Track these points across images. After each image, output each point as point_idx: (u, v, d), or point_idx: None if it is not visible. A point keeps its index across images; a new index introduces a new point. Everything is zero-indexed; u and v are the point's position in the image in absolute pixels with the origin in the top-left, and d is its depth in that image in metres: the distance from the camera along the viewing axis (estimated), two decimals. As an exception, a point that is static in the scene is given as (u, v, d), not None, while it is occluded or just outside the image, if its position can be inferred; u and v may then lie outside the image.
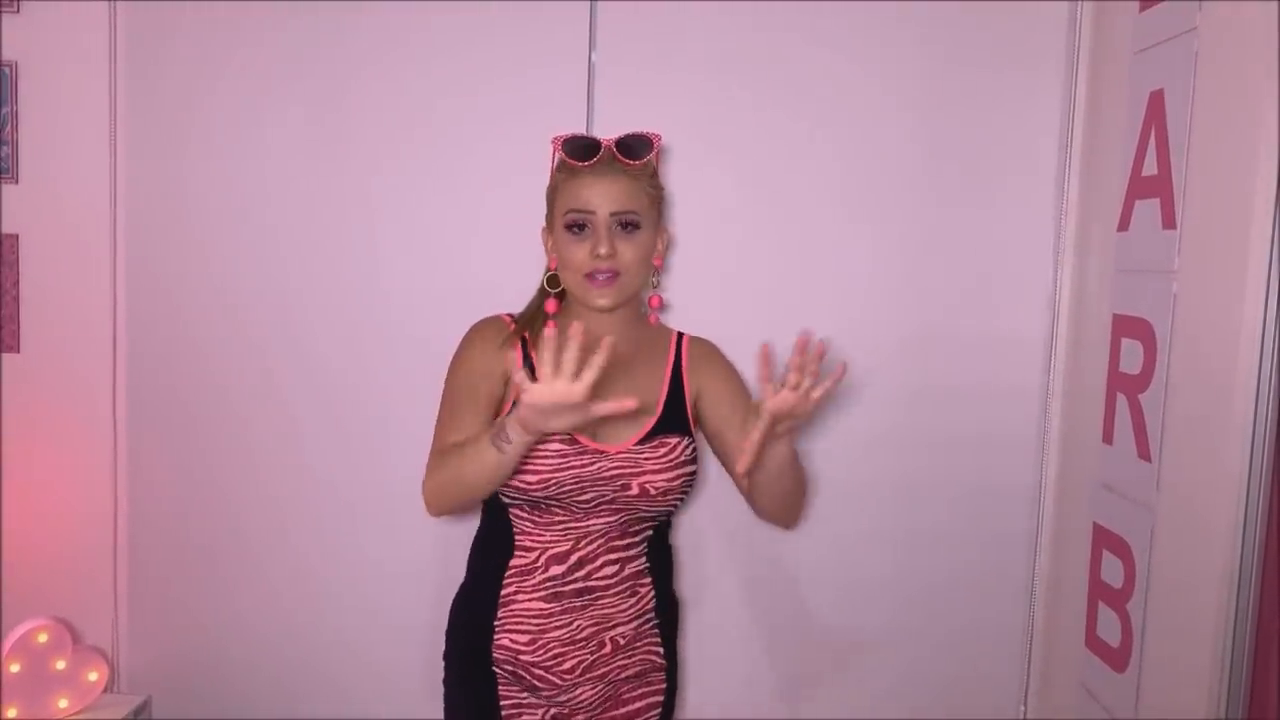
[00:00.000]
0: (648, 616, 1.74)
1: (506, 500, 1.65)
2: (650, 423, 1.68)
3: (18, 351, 2.15)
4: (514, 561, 1.67)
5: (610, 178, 1.64)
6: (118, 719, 2.13)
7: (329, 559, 2.20)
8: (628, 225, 1.65)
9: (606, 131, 1.75)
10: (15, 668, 2.07)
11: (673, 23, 2.08)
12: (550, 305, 1.73)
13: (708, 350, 1.82)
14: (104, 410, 2.17)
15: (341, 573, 2.19)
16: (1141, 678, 1.77)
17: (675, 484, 1.66)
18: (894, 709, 2.23)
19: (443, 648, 1.78)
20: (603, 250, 1.62)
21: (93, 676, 2.15)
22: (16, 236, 2.12)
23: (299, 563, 2.21)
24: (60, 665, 2.12)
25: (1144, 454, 1.77)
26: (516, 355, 1.69)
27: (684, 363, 1.77)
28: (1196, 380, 1.64)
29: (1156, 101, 1.77)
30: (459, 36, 2.09)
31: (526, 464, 1.59)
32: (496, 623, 1.67)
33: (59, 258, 2.14)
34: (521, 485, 1.60)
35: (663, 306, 1.75)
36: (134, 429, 2.18)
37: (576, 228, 1.65)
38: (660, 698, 1.77)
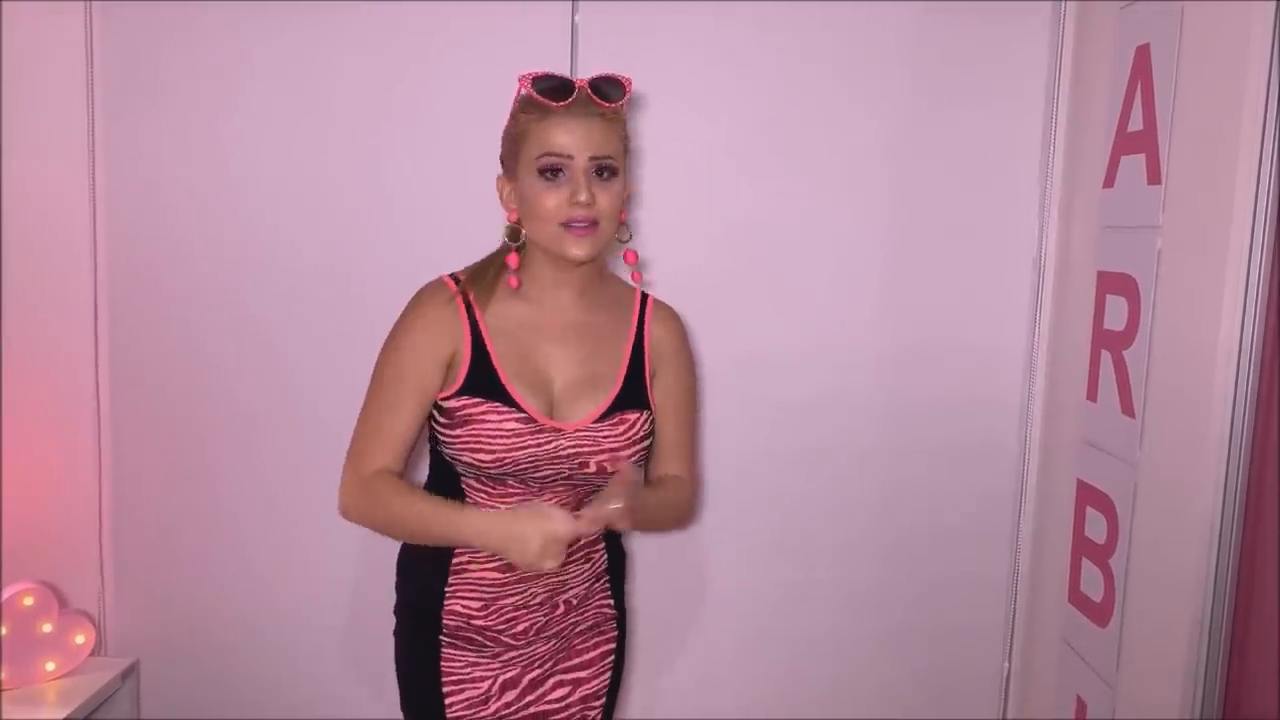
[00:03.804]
0: (600, 577, 1.75)
1: (459, 470, 1.60)
2: (610, 397, 1.62)
3: (-2, 319, 2.14)
4: None
5: (588, 120, 1.52)
6: (106, 681, 2.13)
7: (316, 523, 2.18)
8: (604, 171, 1.53)
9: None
10: (2, 631, 2.07)
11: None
12: (512, 259, 1.60)
13: (672, 328, 1.74)
14: (86, 377, 2.15)
15: (328, 537, 2.18)
16: (1123, 632, 1.78)
17: (632, 460, 1.61)
18: (879, 664, 2.25)
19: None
20: (583, 197, 1.50)
21: (80, 639, 2.15)
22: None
23: (286, 527, 2.21)
24: (47, 628, 2.12)
25: (1127, 410, 1.77)
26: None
27: (646, 333, 1.70)
28: (1180, 336, 1.64)
29: (1143, 56, 1.76)
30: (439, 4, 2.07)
31: (481, 442, 1.54)
32: (447, 589, 1.63)
33: (38, 221, 2.12)
34: (475, 462, 1.56)
35: (639, 263, 1.66)
36: (116, 394, 2.17)
37: (550, 173, 1.52)
38: (612, 645, 1.77)
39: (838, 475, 2.20)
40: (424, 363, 1.57)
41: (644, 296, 1.74)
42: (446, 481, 1.63)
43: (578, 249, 1.53)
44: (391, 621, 1.72)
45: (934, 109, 2.09)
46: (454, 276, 1.64)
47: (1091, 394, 1.91)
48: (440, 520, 1.55)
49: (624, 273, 1.69)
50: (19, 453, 2.16)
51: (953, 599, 2.24)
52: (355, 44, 2.08)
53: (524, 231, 1.59)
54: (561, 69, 2.03)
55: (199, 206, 2.12)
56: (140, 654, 2.24)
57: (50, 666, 2.12)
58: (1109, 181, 1.87)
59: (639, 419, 1.63)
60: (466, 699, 1.65)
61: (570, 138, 1.52)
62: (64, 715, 2.00)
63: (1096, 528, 1.88)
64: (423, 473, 1.72)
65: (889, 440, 2.19)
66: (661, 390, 1.70)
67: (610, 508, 1.49)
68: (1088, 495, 1.92)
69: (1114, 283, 1.84)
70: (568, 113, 1.52)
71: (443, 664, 1.65)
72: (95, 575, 2.21)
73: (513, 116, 1.58)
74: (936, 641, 2.25)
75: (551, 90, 1.52)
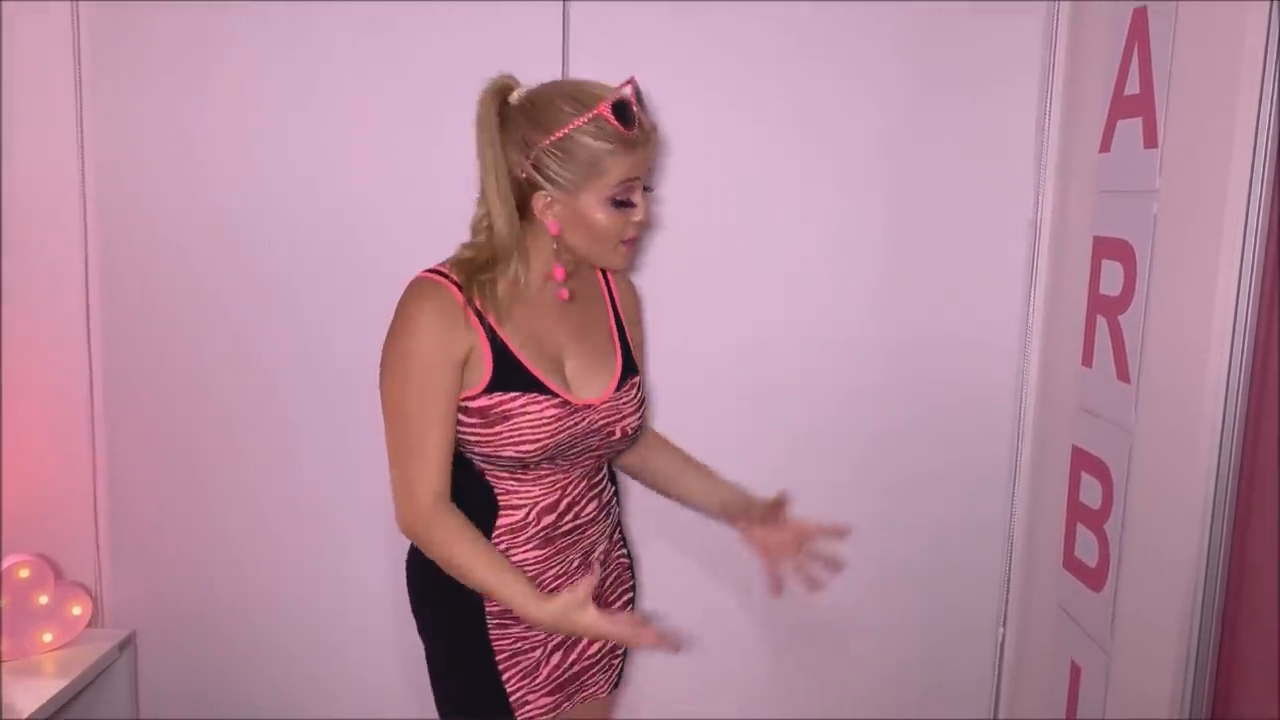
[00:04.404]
0: (617, 528, 1.81)
1: (485, 466, 1.59)
2: (619, 366, 1.67)
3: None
4: (501, 521, 1.60)
5: (649, 142, 1.54)
6: (103, 653, 2.13)
7: (315, 495, 2.19)
8: (648, 189, 1.59)
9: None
10: (1, 602, 2.07)
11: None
12: (558, 273, 1.59)
13: (631, 287, 1.82)
14: (79, 350, 2.14)
15: (327, 508, 2.19)
16: (1118, 597, 1.79)
17: (641, 422, 1.69)
18: (873, 633, 2.26)
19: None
20: (643, 218, 1.55)
21: (76, 611, 2.16)
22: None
23: (284, 498, 2.20)
24: (43, 600, 2.12)
25: (1123, 376, 1.77)
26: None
27: (616, 298, 1.75)
28: (1176, 300, 1.64)
29: (1139, 19, 1.75)
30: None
31: (523, 434, 1.54)
32: None
33: (28, 191, 2.10)
34: (517, 455, 1.55)
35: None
36: (110, 365, 2.16)
37: (627, 200, 1.52)
38: (631, 594, 1.83)
39: (831, 447, 2.20)
40: (446, 372, 1.53)
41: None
42: (469, 474, 1.60)
43: (626, 262, 1.61)
44: (404, 594, 1.71)
45: (929, 77, 2.08)
46: (441, 273, 1.56)
47: (1087, 360, 1.91)
48: (500, 588, 1.54)
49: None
50: (12, 426, 2.16)
51: (948, 566, 2.24)
52: (345, 33, 2.06)
53: (553, 240, 1.57)
54: (553, 61, 2.03)
55: (189, 182, 2.11)
56: (137, 626, 2.25)
57: (47, 638, 2.13)
58: (1105, 146, 1.86)
59: (639, 381, 1.70)
60: (521, 670, 1.66)
61: (641, 166, 1.53)
62: (63, 685, 2.01)
63: (1091, 493, 1.88)
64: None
65: (884, 407, 2.18)
66: (634, 346, 1.76)
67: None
68: (1083, 461, 1.92)
69: (1110, 248, 1.83)
70: (638, 141, 1.51)
71: (494, 644, 1.64)
72: (91, 547, 2.21)
73: (577, 139, 1.49)
74: (932, 608, 2.26)
75: (630, 118, 1.49)
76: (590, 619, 1.50)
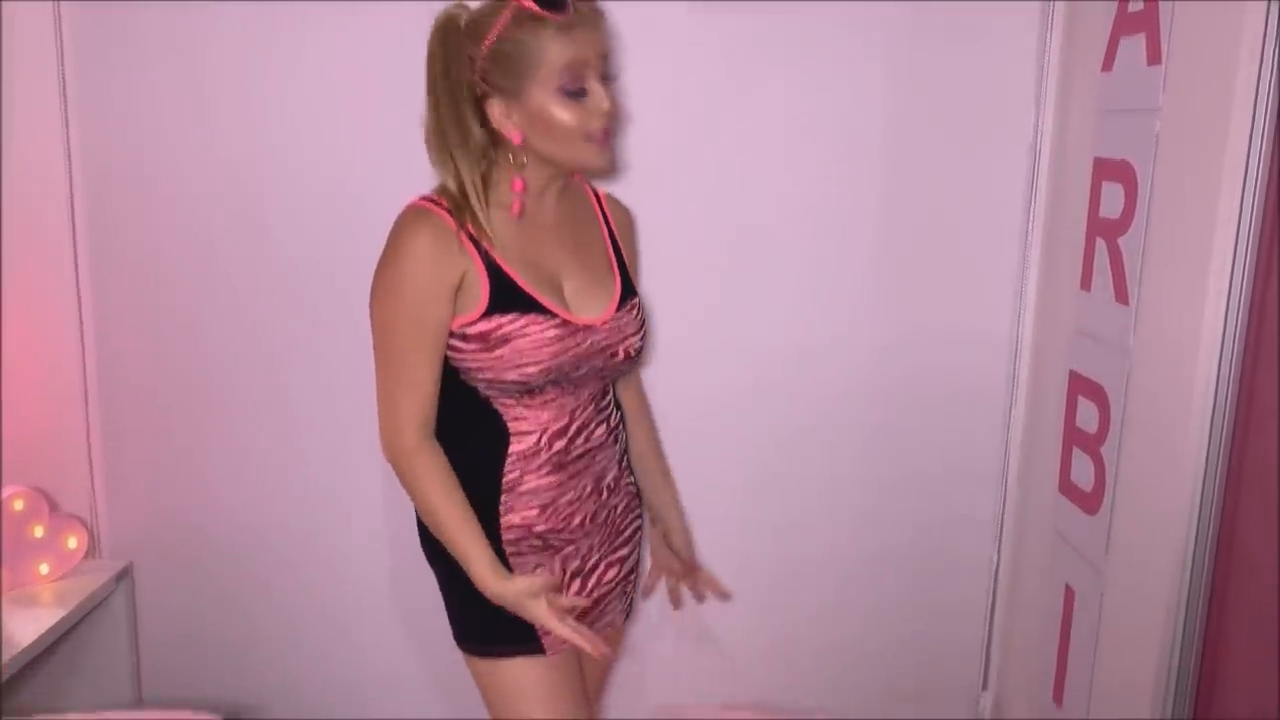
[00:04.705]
0: (625, 453, 1.80)
1: (491, 393, 1.58)
2: (618, 285, 1.67)
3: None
4: (513, 448, 1.60)
5: (589, 24, 1.49)
6: (100, 584, 2.14)
7: (313, 423, 2.18)
8: (607, 77, 1.54)
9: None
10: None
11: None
12: (517, 185, 1.56)
13: (623, 208, 1.82)
14: (67, 273, 2.11)
15: (328, 435, 2.18)
16: (1113, 519, 1.79)
17: (643, 343, 1.69)
18: (867, 552, 2.27)
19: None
20: (607, 105, 1.51)
21: (72, 543, 2.16)
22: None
23: (282, 427, 2.19)
24: (39, 532, 2.12)
25: (1121, 298, 1.76)
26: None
27: (611, 221, 1.75)
28: (1177, 220, 1.62)
29: (1145, -69, 1.70)
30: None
31: (525, 357, 1.52)
32: (501, 505, 1.61)
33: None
34: (521, 378, 1.54)
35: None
36: (99, 291, 2.12)
37: (576, 89, 1.49)
38: (640, 520, 1.84)
39: (825, 373, 2.19)
40: (439, 299, 1.51)
41: (583, 181, 1.77)
42: (475, 403, 1.59)
43: (601, 159, 1.55)
44: (403, 523, 1.71)
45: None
46: (433, 200, 1.55)
47: (1086, 283, 1.89)
48: (461, 541, 1.57)
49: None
50: (4, 357, 2.13)
51: (943, 491, 2.24)
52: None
53: (520, 152, 1.55)
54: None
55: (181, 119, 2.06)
56: (134, 558, 2.25)
57: (44, 569, 2.13)
58: (1107, 65, 1.82)
59: (638, 302, 1.70)
60: None
61: (585, 49, 1.48)
62: (61, 615, 2.01)
63: (1088, 417, 1.88)
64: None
65: (879, 330, 2.17)
66: (631, 270, 1.75)
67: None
68: (1080, 385, 1.91)
69: (1111, 169, 1.80)
70: (571, 23, 1.46)
71: (513, 571, 1.63)
72: (85, 479, 2.20)
73: (502, 36, 1.47)
74: (925, 532, 2.27)
75: (552, 2, 1.45)
76: (541, 611, 1.54)
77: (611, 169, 1.55)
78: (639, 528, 1.83)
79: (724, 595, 1.98)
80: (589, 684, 1.82)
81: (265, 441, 2.20)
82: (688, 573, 1.95)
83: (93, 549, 2.22)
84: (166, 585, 2.27)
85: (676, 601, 1.97)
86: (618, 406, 1.79)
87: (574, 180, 1.73)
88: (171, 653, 2.30)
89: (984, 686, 2.35)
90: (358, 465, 2.15)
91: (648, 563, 1.99)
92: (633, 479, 1.83)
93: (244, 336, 2.15)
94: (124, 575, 2.21)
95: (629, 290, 1.69)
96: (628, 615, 1.85)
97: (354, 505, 2.21)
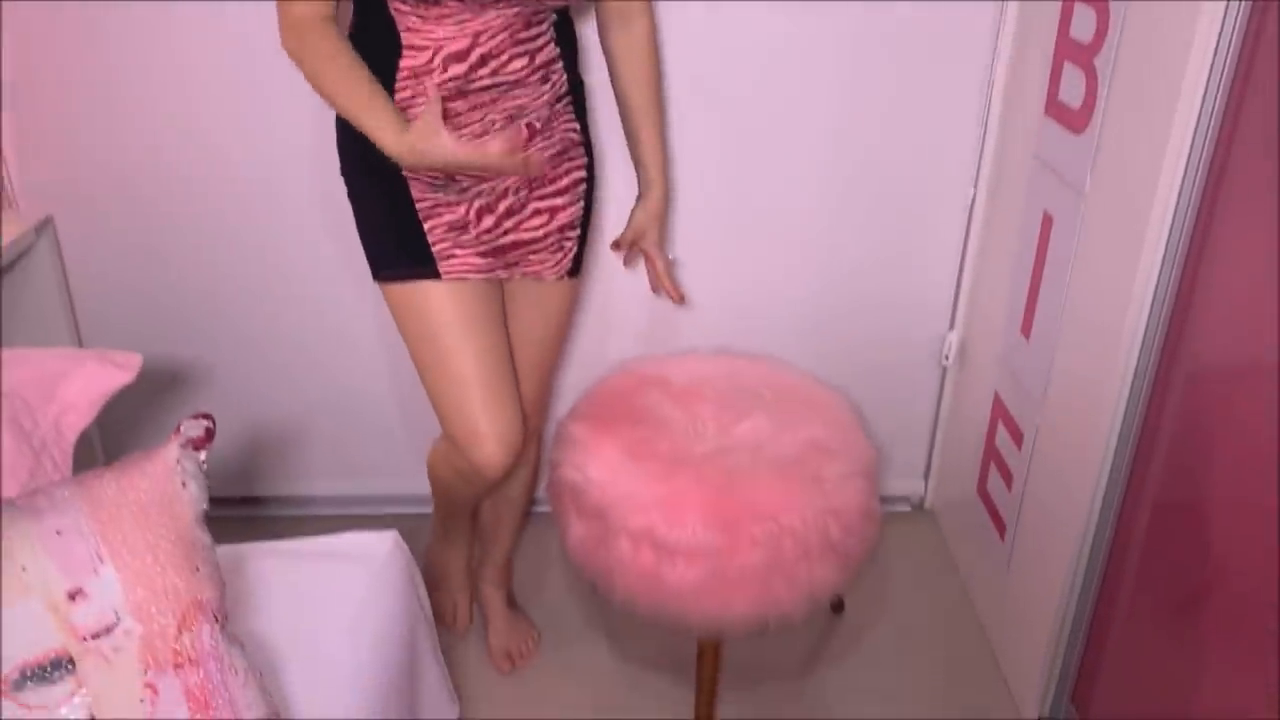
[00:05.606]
0: (562, 99, 1.64)
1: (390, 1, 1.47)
2: None
3: None
4: (404, 62, 1.50)
5: None
6: (20, 233, 2.00)
7: (234, 69, 1.99)
8: None
9: None
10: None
11: None
12: None
13: None
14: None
15: (248, 76, 1.99)
16: (1101, 137, 1.66)
17: None
18: (840, 196, 2.17)
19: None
20: None
21: (-17, 193, 2.01)
22: None
23: (201, 75, 2.00)
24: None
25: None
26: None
27: None
28: (1152, 39, 1.38)
29: None
30: None
31: None
32: None
33: None
34: None
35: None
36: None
37: None
38: (583, 172, 1.72)
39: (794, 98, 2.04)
40: None
41: None
42: (371, 5, 1.49)
43: None
44: (317, 156, 1.61)
45: None
46: None
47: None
48: (361, 113, 1.47)
49: None
50: None
51: (922, 123, 2.11)
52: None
53: None
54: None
55: None
56: (53, 211, 2.11)
57: (-46, 220, 1.99)
58: None
59: None
60: (446, 223, 1.61)
61: None
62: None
63: (1084, 26, 1.71)
64: None
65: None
66: None
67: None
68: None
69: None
70: None
71: (414, 195, 1.58)
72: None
73: None
74: (910, 174, 2.16)
75: None
76: (442, 146, 1.43)
77: None
78: (578, 180, 1.71)
79: (678, 299, 1.86)
80: (525, 384, 1.81)
81: (188, 90, 2.02)
82: (651, 258, 1.84)
83: (9, 202, 2.07)
84: (92, 238, 2.15)
85: (629, 261, 1.94)
86: (561, 43, 1.60)
87: None
88: (108, 307, 2.22)
89: (950, 326, 2.31)
90: (285, 100, 1.97)
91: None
92: (577, 130, 1.69)
93: None
94: (44, 227, 2.08)
95: None
96: (568, 274, 1.76)
97: (281, 141, 2.06)
